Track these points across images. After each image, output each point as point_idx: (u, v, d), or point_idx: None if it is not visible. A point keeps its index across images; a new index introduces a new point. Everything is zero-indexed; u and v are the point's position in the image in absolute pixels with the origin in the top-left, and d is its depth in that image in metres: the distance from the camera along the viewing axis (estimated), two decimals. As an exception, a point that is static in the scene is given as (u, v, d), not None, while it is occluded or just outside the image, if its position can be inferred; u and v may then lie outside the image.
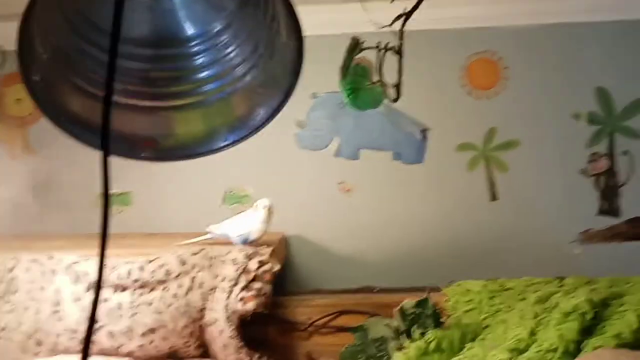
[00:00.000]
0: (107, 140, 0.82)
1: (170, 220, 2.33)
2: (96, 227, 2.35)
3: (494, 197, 2.29)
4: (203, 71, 1.04)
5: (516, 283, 1.95)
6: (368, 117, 2.27)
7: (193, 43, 1.02)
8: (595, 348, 1.47)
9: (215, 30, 1.02)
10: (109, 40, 0.93)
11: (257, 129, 1.11)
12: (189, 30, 1.00)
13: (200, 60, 1.04)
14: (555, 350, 1.50)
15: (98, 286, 0.80)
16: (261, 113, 1.11)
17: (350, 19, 1.65)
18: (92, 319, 0.87)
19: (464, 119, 2.28)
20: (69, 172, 2.32)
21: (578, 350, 1.52)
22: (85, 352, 0.83)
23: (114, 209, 2.37)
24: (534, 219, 2.28)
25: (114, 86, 1.00)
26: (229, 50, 1.04)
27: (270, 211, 1.91)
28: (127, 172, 2.37)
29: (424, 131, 2.29)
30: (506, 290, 1.93)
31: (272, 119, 1.12)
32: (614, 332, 1.50)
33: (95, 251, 1.93)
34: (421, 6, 1.27)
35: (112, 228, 2.55)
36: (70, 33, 0.99)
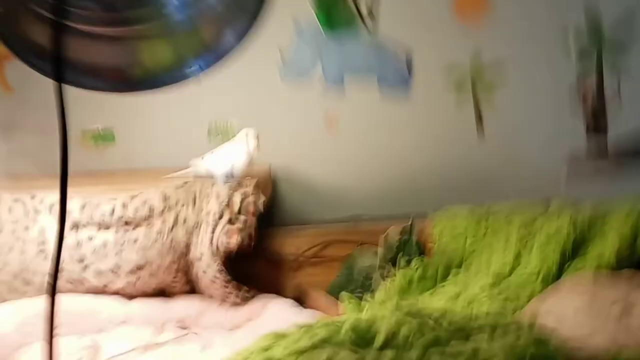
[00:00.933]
0: (60, 68, 0.78)
1: (155, 156, 2.30)
2: (78, 166, 2.31)
3: (481, 121, 2.26)
4: (166, -5, 0.99)
5: (503, 207, 1.95)
6: (352, 44, 2.20)
7: (154, -35, 0.96)
8: (578, 270, 1.48)
9: (177, -48, 0.96)
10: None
11: (226, 54, 1.07)
12: (150, -49, 0.95)
13: (162, -17, 0.98)
14: (538, 273, 1.51)
15: (61, 225, 0.79)
16: (229, 38, 1.07)
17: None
18: (59, 254, 0.86)
19: (449, 41, 2.22)
20: (49, 110, 2.27)
21: (561, 273, 1.53)
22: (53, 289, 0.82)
23: (98, 146, 2.34)
24: (523, 141, 2.25)
25: (74, 13, 0.95)
26: (193, -29, 0.99)
27: (253, 141, 1.87)
28: (109, 107, 2.33)
29: (409, 55, 2.23)
30: (492, 215, 1.93)
31: (240, 44, 1.07)
32: (595, 253, 1.50)
33: (77, 189, 1.89)
34: None
35: (96, 165, 2.50)
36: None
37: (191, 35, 1.07)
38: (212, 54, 1.07)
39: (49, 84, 0.98)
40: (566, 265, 1.56)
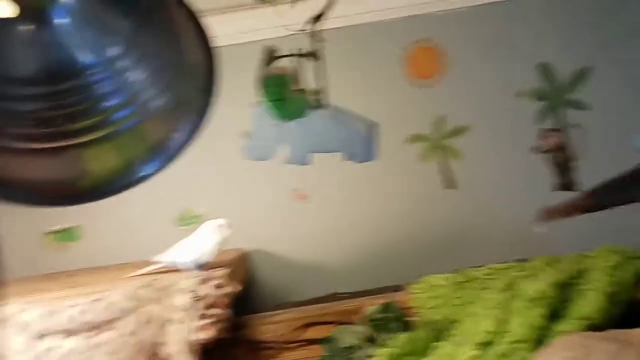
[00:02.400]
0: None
1: (123, 251, 2.25)
2: (41, 268, 2.22)
3: (450, 186, 2.25)
4: (107, 100, 0.97)
5: (479, 272, 1.91)
6: (314, 120, 2.21)
7: (90, 72, 0.94)
8: (562, 333, 1.43)
9: (113, 55, 0.94)
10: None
11: (177, 153, 1.04)
12: (83, 59, 0.92)
13: (101, 89, 0.96)
14: (523, 340, 1.45)
15: None
16: (178, 137, 1.04)
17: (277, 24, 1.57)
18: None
19: (410, 111, 2.24)
20: (11, 212, 2.21)
21: (546, 337, 1.48)
22: None
23: (61, 246, 2.28)
24: (493, 203, 2.24)
25: (10, 131, 0.92)
26: (132, 74, 0.97)
27: (219, 229, 1.82)
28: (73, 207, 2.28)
29: (371, 127, 2.24)
30: (471, 281, 1.89)
31: (190, 143, 1.04)
32: (581, 315, 1.46)
33: (38, 296, 1.79)
34: (346, 2, 1.21)
35: (61, 266, 2.40)
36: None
37: (138, 138, 1.03)
38: (162, 156, 1.03)
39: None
40: (550, 329, 1.51)
